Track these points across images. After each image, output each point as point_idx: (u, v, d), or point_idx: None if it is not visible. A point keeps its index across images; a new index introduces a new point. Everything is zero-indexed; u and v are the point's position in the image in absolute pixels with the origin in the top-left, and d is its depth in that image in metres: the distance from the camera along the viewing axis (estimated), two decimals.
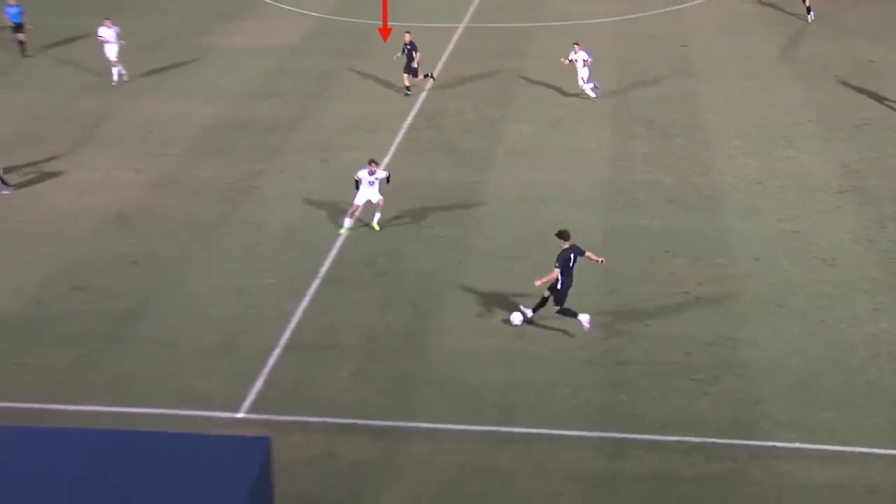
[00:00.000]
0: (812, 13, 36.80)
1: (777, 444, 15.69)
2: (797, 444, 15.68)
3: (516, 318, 18.80)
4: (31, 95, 30.87)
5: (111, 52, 31.20)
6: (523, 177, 25.24)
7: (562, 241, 18.36)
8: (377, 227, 22.33)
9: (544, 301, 18.61)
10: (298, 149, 26.95)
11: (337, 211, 23.16)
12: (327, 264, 21.05)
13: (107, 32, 31.07)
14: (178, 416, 16.30)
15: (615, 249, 21.57)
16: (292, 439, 15.66)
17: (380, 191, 22.27)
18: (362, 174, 22.21)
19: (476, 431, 16.10)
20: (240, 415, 16.44)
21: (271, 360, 17.83)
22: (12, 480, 9.91)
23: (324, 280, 20.48)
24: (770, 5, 37.52)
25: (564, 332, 18.60)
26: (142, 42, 35.67)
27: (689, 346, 18.22)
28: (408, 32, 31.02)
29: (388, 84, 31.64)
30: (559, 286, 18.28)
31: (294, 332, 18.68)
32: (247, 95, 30.92)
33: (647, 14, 39.18)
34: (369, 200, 22.28)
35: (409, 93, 30.60)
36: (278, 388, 17.12)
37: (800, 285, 20.24)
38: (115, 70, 31.39)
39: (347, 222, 22.20)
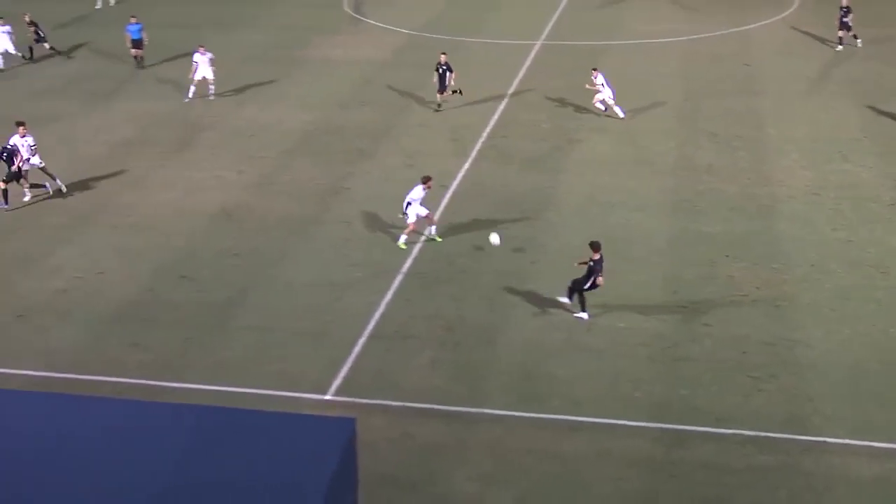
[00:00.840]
0: (859, 40, 35.99)
1: (827, 439, 15.46)
2: (846, 440, 15.44)
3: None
4: (147, 104, 31.50)
5: (205, 72, 31.24)
6: (593, 183, 25.14)
7: (593, 252, 18.57)
8: (439, 239, 21.99)
9: (574, 293, 18.74)
10: (385, 153, 27.15)
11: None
12: (410, 261, 21.19)
13: (201, 59, 31.16)
14: (271, 395, 16.57)
15: (678, 253, 21.42)
16: (374, 421, 15.82)
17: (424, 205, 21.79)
18: (416, 193, 21.54)
19: (543, 419, 16.11)
20: (327, 397, 16.66)
21: (357, 348, 18.02)
22: (124, 448, 10.20)
23: (406, 275, 20.62)
24: (829, 27, 36.80)
25: (629, 328, 18.52)
26: (247, 53, 36.27)
27: (746, 345, 18.01)
28: (443, 53, 30.72)
29: (469, 96, 31.67)
30: (588, 284, 18.55)
31: (378, 323, 18.86)
32: (339, 104, 31.22)
33: (713, 34, 38.67)
34: (417, 214, 21.76)
35: (439, 109, 30.28)
36: (363, 374, 17.30)
37: (852, 291, 19.87)
38: (190, 90, 31.38)
39: (403, 238, 21.82)
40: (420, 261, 21.22)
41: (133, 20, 34.65)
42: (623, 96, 31.53)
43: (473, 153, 27.08)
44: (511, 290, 19.93)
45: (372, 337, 18.39)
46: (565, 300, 18.94)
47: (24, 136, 24.20)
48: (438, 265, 21.01)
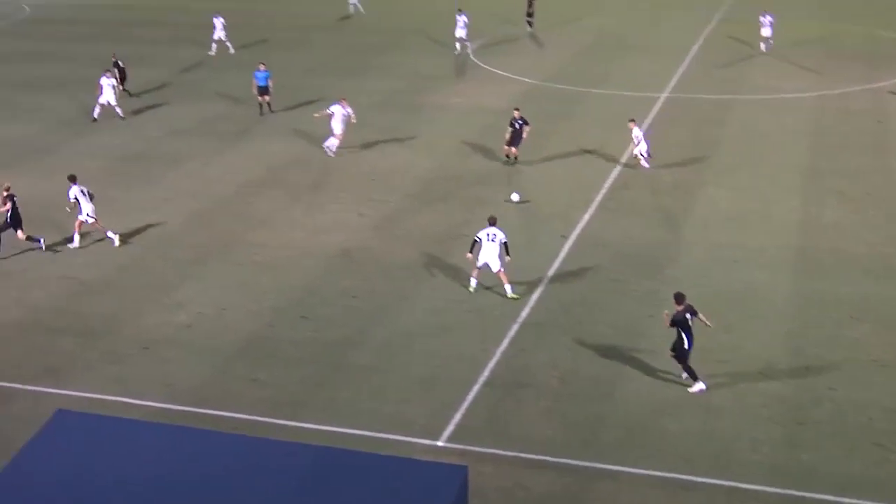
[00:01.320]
0: None
1: None
2: None
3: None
4: (274, 146, 32.33)
5: (336, 125, 31.23)
6: (715, 238, 24.66)
7: (676, 304, 17.88)
8: (516, 297, 21.46)
9: (679, 360, 18.02)
10: (503, 202, 27.17)
11: (537, 260, 23.23)
12: (527, 309, 21.08)
13: (338, 111, 30.97)
14: (383, 438, 16.59)
15: (802, 313, 20.79)
16: (485, 469, 15.69)
17: (500, 257, 21.37)
18: (481, 233, 21.29)
19: (657, 477, 15.71)
20: (439, 443, 16.60)
21: (470, 395, 17.94)
22: (239, 484, 10.33)
23: (522, 323, 20.51)
24: None
25: (749, 388, 18.00)
26: (373, 99, 36.92)
27: (872, 411, 17.29)
28: (517, 109, 30.40)
29: (591, 147, 31.62)
30: (684, 345, 17.82)
31: (492, 370, 18.77)
32: (460, 151, 31.48)
33: (843, 91, 37.75)
34: (488, 265, 21.25)
35: (511, 162, 30.00)
36: (475, 421, 17.20)
37: None
38: (331, 145, 31.52)
39: (474, 283, 21.75)
40: (536, 310, 21.09)
41: (262, 67, 35.19)
42: (748, 151, 31.07)
43: (594, 204, 26.91)
44: (628, 343, 19.62)
45: (486, 384, 18.30)
46: (685, 375, 18.24)
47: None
48: (555, 315, 20.84)
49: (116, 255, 23.98)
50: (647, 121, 34.44)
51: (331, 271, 23.12)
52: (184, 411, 17.42)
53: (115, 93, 35.24)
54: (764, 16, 43.83)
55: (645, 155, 29.46)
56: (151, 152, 31.88)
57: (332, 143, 30.97)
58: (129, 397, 17.87)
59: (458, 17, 45.11)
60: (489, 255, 21.28)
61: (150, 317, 20.98)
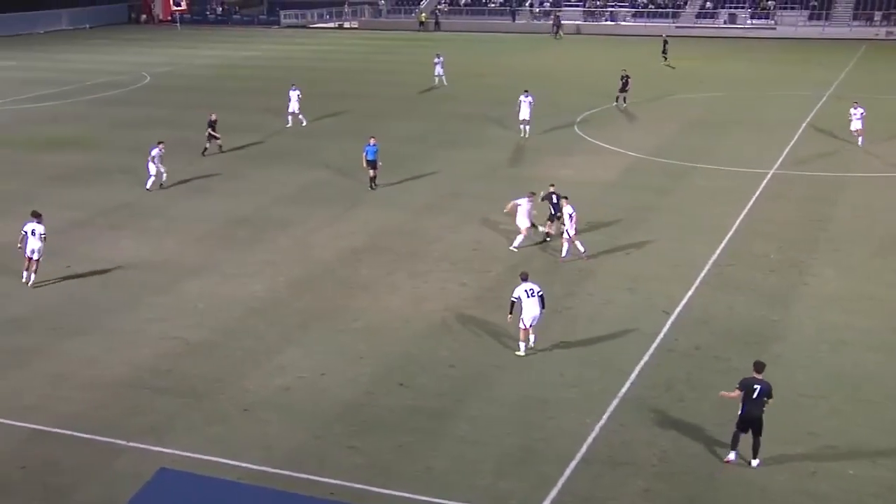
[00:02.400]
0: None
1: None
2: None
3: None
4: (378, 213, 32.83)
5: (522, 222, 30.30)
6: (824, 319, 24.05)
7: (754, 371, 17.57)
8: (522, 354, 22.09)
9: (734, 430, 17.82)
10: (606, 275, 27.02)
11: (639, 336, 22.96)
12: (627, 385, 20.80)
13: (524, 203, 30.46)
14: None
15: None
16: None
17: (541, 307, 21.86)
18: (519, 291, 21.79)
19: None
20: None
21: (567, 471, 17.70)
22: None
23: (622, 399, 20.22)
24: None
25: (859, 476, 17.36)
26: (477, 171, 37.32)
27: None
28: (552, 185, 29.96)
29: (695, 222, 31.31)
30: (740, 410, 17.47)
31: (590, 446, 18.50)
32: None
33: None
34: (535, 321, 21.91)
35: (548, 239, 29.54)
36: (572, 498, 16.94)
37: None
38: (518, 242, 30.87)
39: (523, 346, 22.08)
40: (638, 385, 20.79)
41: (372, 141, 35.33)
42: (859, 230, 30.37)
43: (698, 281, 26.55)
44: (731, 424, 19.14)
45: (583, 460, 18.04)
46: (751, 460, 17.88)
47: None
48: (656, 391, 20.52)
49: (222, 318, 24.52)
50: (754, 197, 34.00)
51: (430, 339, 23.22)
52: (280, 474, 17.58)
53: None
54: (856, 108, 41.20)
55: (569, 236, 27.94)
56: (258, 217, 32.67)
57: (518, 239, 29.32)
58: (229, 458, 18.12)
59: (521, 99, 43.43)
60: (533, 310, 21.80)
61: (252, 379, 21.32)
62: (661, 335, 23.14)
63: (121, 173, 38.67)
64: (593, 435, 18.86)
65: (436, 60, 59.61)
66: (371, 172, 35.31)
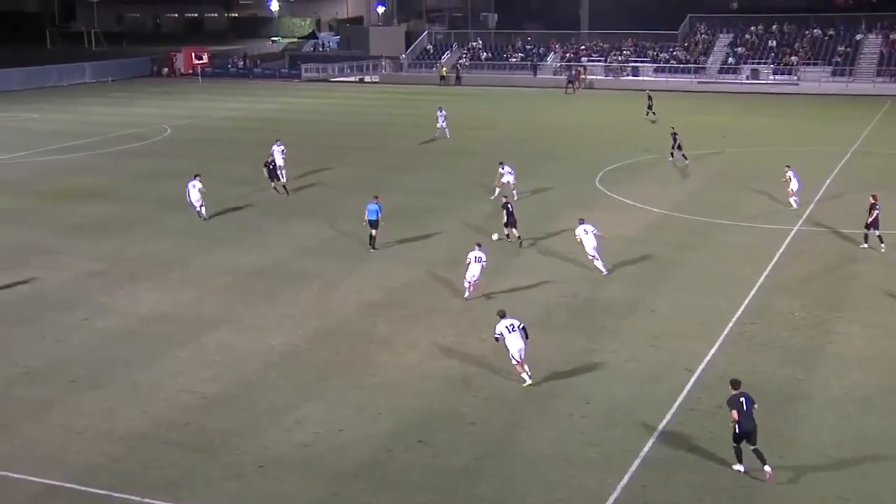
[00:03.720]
0: None
1: None
2: None
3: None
4: (394, 268, 32.86)
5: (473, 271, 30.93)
6: (850, 378, 23.78)
7: (731, 389, 19.23)
8: (529, 382, 23.26)
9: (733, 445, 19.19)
10: (629, 332, 26.89)
11: (661, 394, 22.77)
12: (649, 444, 20.58)
13: (475, 257, 30.59)
14: None
15: None
16: None
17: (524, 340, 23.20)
18: (501, 328, 23.21)
19: None
20: None
21: None
22: None
23: (644, 459, 19.99)
24: None
25: None
26: (494, 225, 37.32)
27: None
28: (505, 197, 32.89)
29: (718, 279, 31.19)
30: (738, 429, 18.84)
31: None
32: (587, 279, 31.38)
33: None
34: (521, 352, 23.14)
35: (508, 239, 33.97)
36: None
37: None
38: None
39: (526, 377, 23.33)
40: (660, 445, 20.56)
41: (375, 200, 34.73)
42: (885, 288, 30.11)
43: (721, 338, 26.36)
44: (755, 485, 18.90)
45: None
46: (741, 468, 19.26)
47: None
48: (679, 452, 20.27)
49: (240, 371, 24.50)
50: (778, 253, 33.87)
51: (449, 396, 23.09)
52: None
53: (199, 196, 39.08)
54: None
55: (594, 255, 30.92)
56: (277, 270, 32.76)
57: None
58: None
59: (501, 168, 42.05)
60: (518, 343, 23.22)
61: (269, 434, 21.22)
62: (684, 393, 22.94)
63: (141, 225, 38.94)
64: (615, 495, 18.64)
65: (439, 113, 60.32)
66: (372, 232, 34.70)
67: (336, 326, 27.54)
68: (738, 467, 19.10)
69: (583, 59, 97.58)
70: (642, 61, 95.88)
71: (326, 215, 39.87)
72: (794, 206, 39.85)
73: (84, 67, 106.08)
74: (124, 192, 45.43)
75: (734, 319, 27.71)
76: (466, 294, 29.23)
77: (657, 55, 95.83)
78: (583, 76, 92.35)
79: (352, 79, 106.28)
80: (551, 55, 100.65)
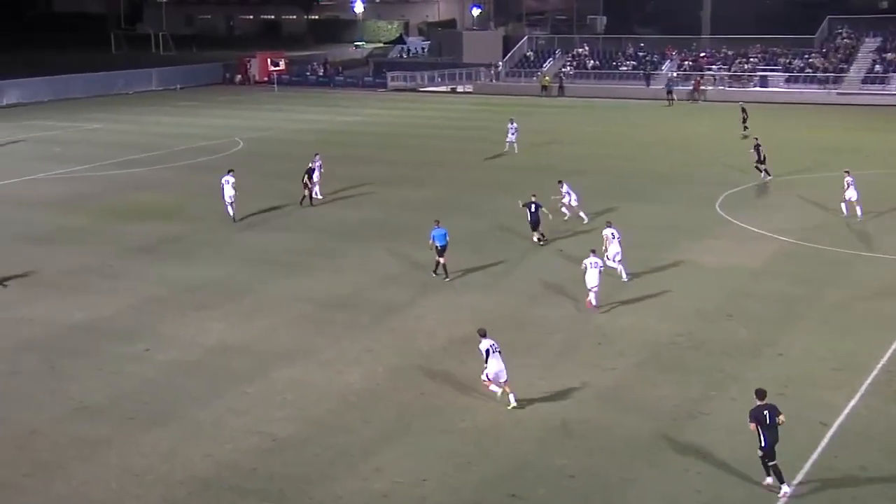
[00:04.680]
0: None
1: None
2: None
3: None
4: (486, 300, 32.83)
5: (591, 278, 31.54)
6: None
7: (756, 399, 20.52)
8: (513, 404, 24.58)
9: (765, 465, 20.47)
10: (753, 378, 26.29)
11: (793, 450, 22.25)
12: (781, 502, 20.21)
13: (591, 263, 31.48)
14: None
15: None
16: None
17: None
18: (484, 344, 24.57)
19: None
20: None
21: None
22: None
23: None
24: None
25: None
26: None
27: None
28: (534, 195, 37.28)
29: (859, 319, 30.46)
30: (762, 442, 20.21)
31: None
32: (703, 315, 30.98)
33: None
34: (502, 373, 24.54)
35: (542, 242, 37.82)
36: None
37: None
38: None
39: (511, 397, 24.68)
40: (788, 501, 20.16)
41: (438, 224, 35.03)
42: None
43: (863, 388, 25.67)
44: None
45: None
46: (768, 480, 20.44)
47: None
48: None
49: (314, 411, 24.69)
50: None
51: (546, 445, 22.92)
52: None
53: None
54: None
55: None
56: (356, 299, 32.99)
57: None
58: None
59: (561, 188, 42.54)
60: (499, 365, 24.55)
61: (344, 482, 21.32)
62: (819, 451, 22.41)
63: (209, 247, 39.67)
64: None
65: (509, 126, 60.51)
66: (441, 259, 34.78)
67: (421, 363, 27.60)
68: (785, 488, 20.23)
69: (703, 67, 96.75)
70: (772, 70, 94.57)
71: (410, 239, 40.08)
72: (844, 213, 42.19)
73: (150, 74, 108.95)
74: (192, 210, 46.37)
75: (879, 366, 26.97)
76: (594, 303, 31.22)
77: (789, 63, 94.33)
78: (702, 86, 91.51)
79: (442, 89, 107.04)
80: (667, 63, 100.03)
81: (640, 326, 30.13)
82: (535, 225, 38.46)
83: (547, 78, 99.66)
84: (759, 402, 20.50)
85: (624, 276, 34.07)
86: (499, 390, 24.80)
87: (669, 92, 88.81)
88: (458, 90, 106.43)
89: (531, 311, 31.76)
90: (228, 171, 44.18)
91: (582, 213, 41.45)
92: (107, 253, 39.09)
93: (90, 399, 25.46)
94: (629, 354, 28.06)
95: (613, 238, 34.15)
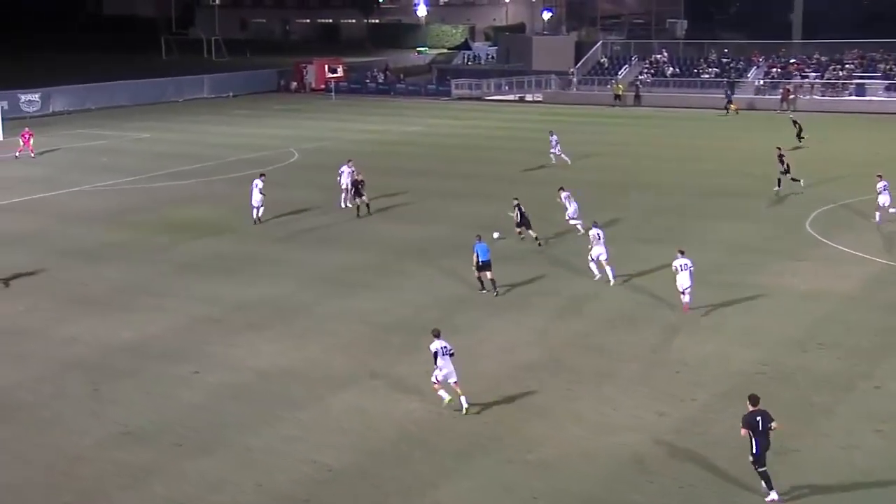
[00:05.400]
0: None
1: None
2: None
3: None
4: (557, 322, 32.83)
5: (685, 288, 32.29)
6: None
7: (749, 405, 21.59)
8: (465, 406, 25.80)
9: (757, 470, 21.51)
10: (848, 414, 26.03)
11: (893, 497, 21.93)
12: None
13: (681, 265, 32.34)
14: None
15: None
16: None
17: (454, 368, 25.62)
18: (436, 347, 25.67)
19: None
20: None
21: None
22: None
23: None
24: None
25: None
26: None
27: None
28: (516, 198, 41.30)
29: None
30: (754, 449, 21.31)
31: None
32: (793, 344, 30.65)
33: None
34: (450, 376, 25.67)
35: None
36: None
37: None
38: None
39: (463, 400, 25.86)
40: None
41: (480, 239, 35.63)
42: None
43: None
44: None
45: None
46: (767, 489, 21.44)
47: None
48: None
49: (371, 440, 24.78)
50: None
51: (619, 480, 22.80)
52: None
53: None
54: None
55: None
56: (417, 320, 33.03)
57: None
58: None
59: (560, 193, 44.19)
60: (448, 366, 25.79)
61: None
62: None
63: (262, 264, 40.02)
64: None
65: (551, 138, 61.53)
66: (488, 275, 35.40)
67: (484, 390, 27.57)
68: (772, 496, 21.30)
69: (793, 74, 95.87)
70: (870, 77, 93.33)
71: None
72: (878, 221, 43.90)
73: (202, 80, 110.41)
74: (243, 226, 46.80)
75: None
76: (685, 304, 32.78)
77: (890, 69, 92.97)
78: (792, 95, 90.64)
79: (510, 97, 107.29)
80: (753, 70, 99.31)
81: (723, 355, 29.87)
82: (525, 223, 41.46)
83: (620, 86, 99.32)
84: (751, 408, 21.56)
85: (599, 276, 36.20)
86: (447, 397, 25.82)
87: (637, 96, 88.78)
88: (527, 99, 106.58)
89: (604, 336, 31.60)
90: (260, 175, 47.53)
91: (578, 224, 42.68)
92: (154, 269, 39.62)
93: (135, 424, 25.78)
94: (710, 385, 27.81)
95: (599, 239, 36.05)
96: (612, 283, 35.83)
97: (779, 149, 53.12)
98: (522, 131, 79.95)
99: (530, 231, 41.36)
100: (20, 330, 32.66)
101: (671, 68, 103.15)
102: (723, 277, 36.93)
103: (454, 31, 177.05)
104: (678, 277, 32.63)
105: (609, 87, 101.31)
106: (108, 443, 24.81)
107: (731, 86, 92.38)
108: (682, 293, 32.72)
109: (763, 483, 21.48)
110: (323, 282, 37.57)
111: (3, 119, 77.56)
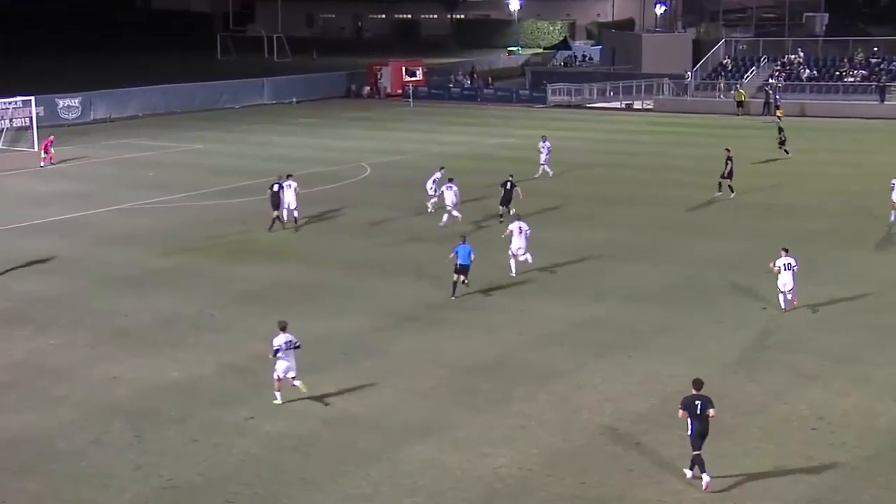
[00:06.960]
0: None
1: None
2: None
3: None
4: (678, 368, 32.50)
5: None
6: None
7: (694, 388, 24.91)
8: (304, 391, 29.12)
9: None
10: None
11: None
12: None
13: (784, 264, 32.44)
14: None
15: None
16: None
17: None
18: (279, 339, 29.06)
19: None
20: None
21: None
22: None
23: None
24: None
25: None
26: (824, 314, 36.43)
27: None
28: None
29: None
30: (689, 430, 24.64)
31: None
32: None
33: None
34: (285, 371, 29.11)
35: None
36: None
37: None
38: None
39: (298, 383, 29.19)
40: None
41: (463, 241, 38.94)
42: None
43: None
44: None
45: None
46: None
47: None
48: None
49: (452, 501, 24.72)
50: None
51: None
52: None
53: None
54: None
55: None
56: (507, 362, 32.97)
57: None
58: None
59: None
60: (288, 361, 29.33)
61: None
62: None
63: (327, 294, 40.23)
64: None
65: (541, 145, 63.21)
66: (461, 278, 38.70)
67: (584, 445, 27.44)
68: (706, 479, 24.41)
69: None
70: None
71: (578, 290, 40.00)
72: (893, 219, 48.14)
73: (261, 84, 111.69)
74: (307, 250, 47.16)
75: None
76: (784, 306, 36.64)
77: None
78: None
79: (615, 105, 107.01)
80: None
81: (869, 409, 29.33)
82: (506, 202, 49.21)
83: (742, 92, 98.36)
84: (693, 392, 24.83)
85: (515, 268, 41.24)
86: (280, 397, 29.38)
87: (767, 103, 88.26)
88: (635, 106, 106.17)
89: (726, 384, 31.15)
90: (288, 176, 51.14)
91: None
92: (207, 300, 39.94)
93: (182, 478, 25.93)
94: (854, 446, 27.30)
95: (521, 233, 40.77)
96: (513, 275, 41.02)
97: (727, 150, 57.08)
98: (630, 143, 79.71)
99: (507, 207, 49.16)
100: (54, 368, 32.96)
101: (807, 70, 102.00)
102: (861, 318, 36.38)
103: (552, 28, 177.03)
104: (780, 277, 36.11)
105: (732, 93, 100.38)
106: (152, 498, 24.98)
107: (774, 88, 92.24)
108: (786, 293, 36.16)
109: (696, 466, 24.71)
110: (399, 317, 37.53)
111: (38, 126, 78.72)
